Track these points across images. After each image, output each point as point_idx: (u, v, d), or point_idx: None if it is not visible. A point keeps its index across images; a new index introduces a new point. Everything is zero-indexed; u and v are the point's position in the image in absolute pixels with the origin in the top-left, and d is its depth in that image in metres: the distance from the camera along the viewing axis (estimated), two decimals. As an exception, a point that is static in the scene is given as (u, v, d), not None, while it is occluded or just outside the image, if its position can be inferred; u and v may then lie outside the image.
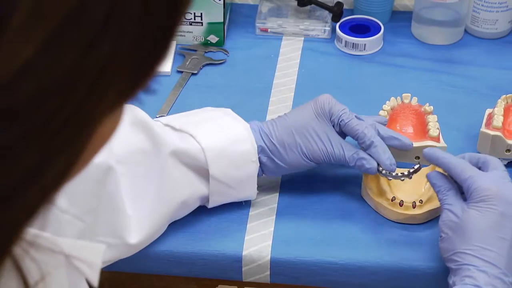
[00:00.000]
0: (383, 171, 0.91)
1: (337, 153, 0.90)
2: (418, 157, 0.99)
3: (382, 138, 0.92)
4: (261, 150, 0.91)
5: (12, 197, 0.35)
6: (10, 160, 0.34)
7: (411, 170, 0.91)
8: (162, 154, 0.86)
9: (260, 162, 0.92)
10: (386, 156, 0.90)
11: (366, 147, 0.91)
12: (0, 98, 0.32)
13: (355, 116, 0.93)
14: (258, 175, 0.93)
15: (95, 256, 0.59)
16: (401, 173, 0.91)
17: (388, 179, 0.92)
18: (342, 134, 0.93)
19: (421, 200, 0.92)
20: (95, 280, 0.58)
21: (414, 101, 1.04)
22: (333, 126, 0.92)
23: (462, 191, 0.85)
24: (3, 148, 0.33)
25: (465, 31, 1.27)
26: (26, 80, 0.32)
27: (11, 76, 0.32)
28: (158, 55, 0.38)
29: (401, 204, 0.92)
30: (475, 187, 0.82)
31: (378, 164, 0.90)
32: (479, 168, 0.86)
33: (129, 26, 0.35)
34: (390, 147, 0.92)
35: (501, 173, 0.84)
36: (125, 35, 0.35)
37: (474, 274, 0.77)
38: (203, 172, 0.89)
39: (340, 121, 0.91)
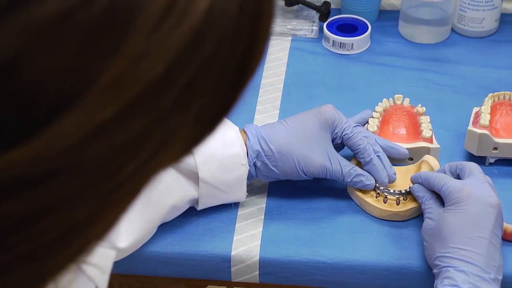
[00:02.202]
0: (381, 187, 0.92)
1: (335, 169, 0.91)
2: (411, 158, 0.99)
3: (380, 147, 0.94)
4: (257, 155, 0.91)
5: (56, 249, 0.36)
6: (61, 214, 0.34)
7: (408, 190, 0.92)
8: None
9: (255, 165, 0.92)
10: (384, 174, 0.92)
11: (364, 163, 0.92)
12: (68, 155, 0.33)
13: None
14: (252, 178, 0.93)
15: (106, 261, 0.59)
16: (398, 191, 0.92)
17: (384, 195, 0.92)
18: (339, 145, 0.94)
19: (405, 198, 0.92)
20: (104, 285, 0.58)
21: (406, 102, 1.04)
22: (335, 138, 0.93)
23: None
24: (57, 201, 0.34)
25: (452, 29, 1.28)
26: (96, 141, 0.33)
27: (83, 136, 0.33)
28: (217, 123, 0.39)
29: (385, 201, 0.92)
30: (449, 191, 0.84)
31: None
32: (458, 175, 0.89)
33: (198, 101, 0.36)
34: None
35: (477, 176, 0.86)
36: (192, 110, 0.36)
37: (453, 275, 0.78)
38: (192, 175, 0.89)
39: (344, 135, 0.92)
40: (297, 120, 0.93)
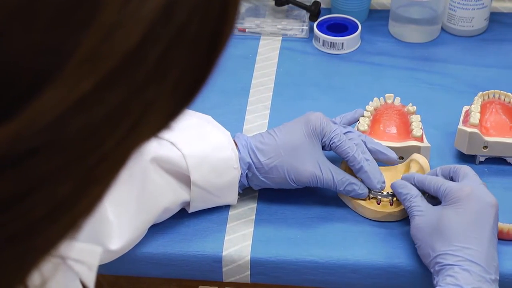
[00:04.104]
0: (373, 192, 0.92)
1: (326, 177, 0.90)
2: (402, 157, 0.99)
3: (369, 152, 0.94)
4: (248, 167, 0.91)
5: (44, 226, 0.36)
6: (46, 191, 0.35)
7: None
8: (143, 161, 0.86)
9: (246, 176, 0.92)
10: (376, 180, 0.92)
11: (355, 171, 0.92)
12: (49, 132, 0.33)
13: (333, 122, 0.94)
14: (244, 186, 0.93)
15: (93, 258, 0.59)
16: (391, 193, 0.92)
17: (378, 198, 0.92)
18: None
19: (397, 198, 0.92)
20: (91, 282, 0.58)
21: (397, 101, 1.04)
22: (323, 146, 0.93)
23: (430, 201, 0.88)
24: (41, 179, 0.34)
25: (442, 29, 1.28)
26: (76, 116, 0.34)
27: (63, 111, 0.33)
28: (194, 95, 0.40)
29: (378, 202, 0.92)
30: (448, 190, 0.84)
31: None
32: (451, 178, 0.89)
33: (174, 72, 0.36)
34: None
35: (473, 178, 0.87)
36: (169, 80, 0.36)
37: (457, 274, 0.78)
38: (184, 179, 0.89)
39: (331, 143, 0.92)
40: (286, 130, 0.93)
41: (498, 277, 0.80)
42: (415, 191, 0.88)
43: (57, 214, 0.36)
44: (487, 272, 0.79)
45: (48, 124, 0.33)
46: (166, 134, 0.98)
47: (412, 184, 0.90)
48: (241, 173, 0.91)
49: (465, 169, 0.88)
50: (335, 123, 0.95)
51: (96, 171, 0.36)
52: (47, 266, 0.44)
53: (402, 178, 0.92)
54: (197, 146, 0.89)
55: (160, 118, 0.39)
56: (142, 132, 0.37)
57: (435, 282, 0.80)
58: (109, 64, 0.33)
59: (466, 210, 0.82)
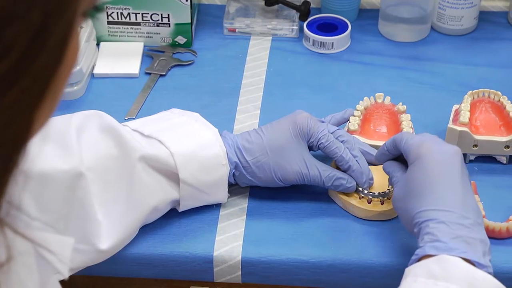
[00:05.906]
0: (364, 191, 0.92)
1: (312, 174, 0.91)
2: None
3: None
4: (235, 166, 0.92)
5: (26, 63, 0.41)
6: (20, 21, 0.40)
7: (391, 189, 0.92)
8: (131, 160, 0.86)
9: (233, 175, 0.93)
10: (364, 179, 0.92)
11: (343, 170, 0.93)
12: None
13: (322, 121, 0.95)
14: (231, 183, 0.93)
15: (64, 249, 0.59)
16: (382, 192, 0.92)
17: (369, 197, 0.92)
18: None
19: (389, 197, 0.92)
20: (65, 272, 0.59)
21: (387, 100, 1.04)
22: (311, 146, 0.93)
23: None
24: (8, 10, 0.39)
25: (431, 28, 1.28)
26: None
27: None
28: None
29: (369, 201, 0.92)
30: (410, 148, 0.83)
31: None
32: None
33: None
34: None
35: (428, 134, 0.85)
36: None
37: (433, 230, 0.75)
38: (173, 177, 0.89)
39: (319, 144, 0.92)
40: (273, 129, 0.93)
41: (480, 221, 0.77)
42: (397, 167, 0.87)
43: (37, 46, 0.41)
44: (464, 217, 0.76)
45: None
46: (155, 133, 0.99)
47: (385, 150, 0.89)
48: (229, 171, 0.91)
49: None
50: (323, 122, 0.95)
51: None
52: (16, 245, 0.45)
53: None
54: (185, 144, 0.89)
55: None
56: None
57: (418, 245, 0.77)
58: None
59: (429, 163, 0.80)
